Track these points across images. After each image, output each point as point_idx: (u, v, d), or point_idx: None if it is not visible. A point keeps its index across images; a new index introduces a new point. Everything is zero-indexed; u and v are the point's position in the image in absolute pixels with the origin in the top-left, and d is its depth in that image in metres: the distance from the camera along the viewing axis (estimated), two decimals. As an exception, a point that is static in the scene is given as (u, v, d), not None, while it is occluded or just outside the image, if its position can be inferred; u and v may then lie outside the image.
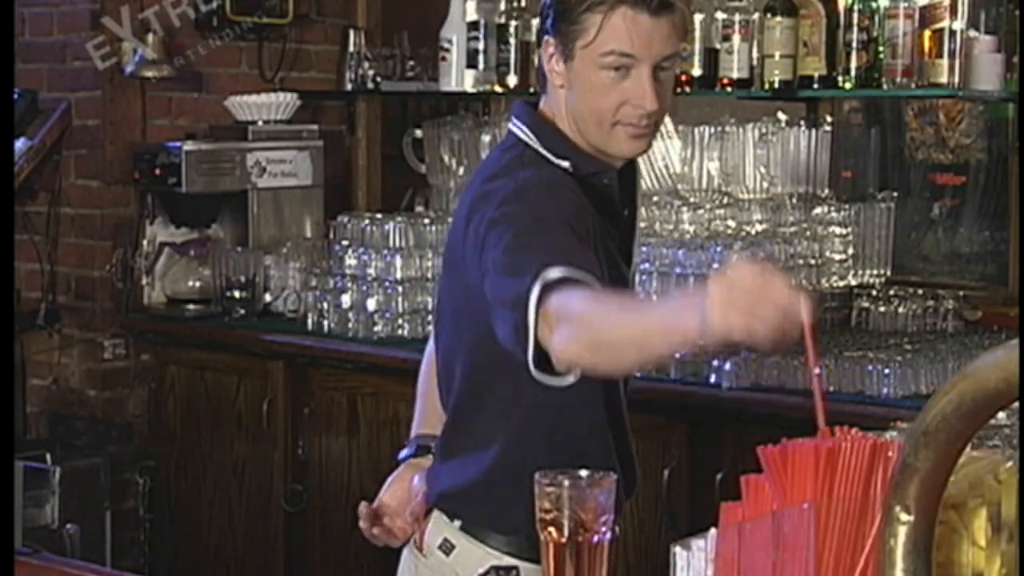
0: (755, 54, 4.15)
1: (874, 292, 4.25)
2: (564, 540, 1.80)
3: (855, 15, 3.95)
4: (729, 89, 4.20)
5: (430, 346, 2.62)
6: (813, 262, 4.17)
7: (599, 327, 2.05)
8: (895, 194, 4.48)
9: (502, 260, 2.20)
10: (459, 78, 4.76)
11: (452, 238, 2.44)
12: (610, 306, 2.08)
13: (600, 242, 2.33)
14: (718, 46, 4.19)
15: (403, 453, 2.57)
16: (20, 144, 4.80)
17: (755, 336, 1.96)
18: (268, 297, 4.86)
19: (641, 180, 2.59)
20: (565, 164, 2.37)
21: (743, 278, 1.90)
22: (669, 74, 2.35)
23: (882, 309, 4.16)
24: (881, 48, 3.94)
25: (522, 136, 2.41)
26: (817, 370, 1.80)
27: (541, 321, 2.09)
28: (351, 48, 5.20)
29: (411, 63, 5.15)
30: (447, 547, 2.42)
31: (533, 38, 4.09)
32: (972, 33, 3.89)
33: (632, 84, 2.30)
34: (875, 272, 4.36)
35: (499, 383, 2.38)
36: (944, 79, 3.85)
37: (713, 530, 1.65)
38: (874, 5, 3.94)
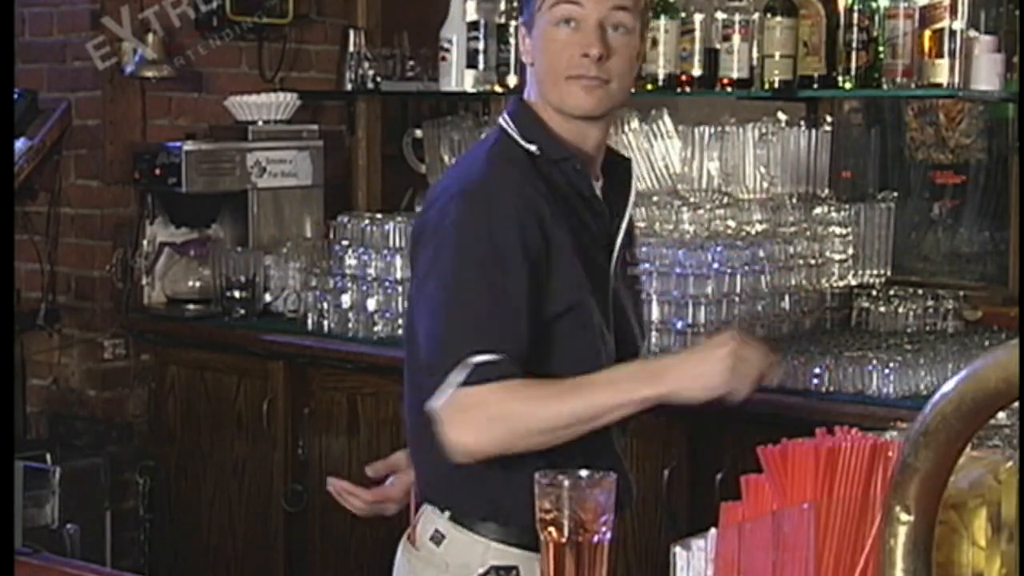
0: (755, 54, 4.15)
1: (874, 292, 4.25)
2: (564, 540, 1.80)
3: (855, 15, 3.95)
4: (729, 89, 4.20)
5: None
6: (813, 262, 4.17)
7: (527, 415, 2.30)
8: (895, 194, 4.48)
9: (428, 324, 2.37)
10: (459, 78, 4.76)
11: (419, 219, 2.55)
12: (534, 394, 2.31)
13: (563, 231, 2.41)
14: (718, 46, 4.19)
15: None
16: (20, 144, 4.80)
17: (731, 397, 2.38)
18: (268, 297, 4.85)
19: (635, 182, 2.65)
20: (532, 147, 2.47)
21: (696, 353, 2.37)
22: (624, 37, 2.45)
23: (882, 309, 4.16)
24: (881, 48, 3.94)
25: (502, 122, 2.52)
26: None
27: (447, 404, 2.28)
28: (351, 48, 5.20)
29: (411, 63, 5.15)
30: (438, 537, 2.45)
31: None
32: (972, 33, 3.89)
33: (581, 35, 2.42)
34: (875, 272, 4.36)
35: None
36: (944, 79, 3.85)
37: (713, 530, 1.65)
38: (874, 5, 3.94)
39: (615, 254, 2.52)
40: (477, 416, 2.28)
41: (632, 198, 2.58)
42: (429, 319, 2.37)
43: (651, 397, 2.33)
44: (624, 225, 2.55)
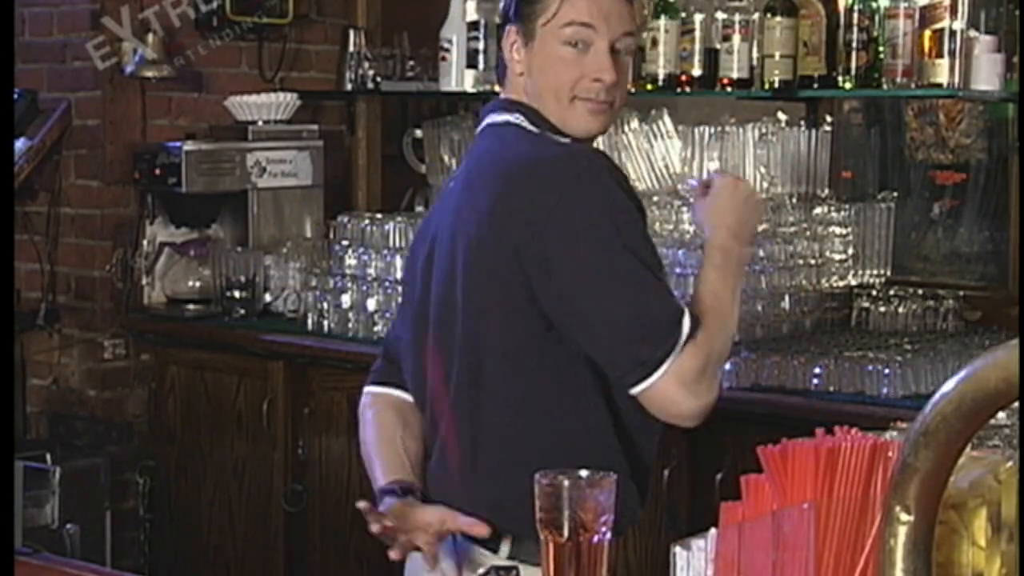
0: (755, 54, 4.15)
1: (874, 292, 4.25)
2: (564, 540, 1.80)
3: (855, 15, 3.95)
4: (729, 89, 4.20)
5: (371, 392, 2.63)
6: (813, 262, 4.17)
7: (725, 353, 2.41)
8: (895, 194, 4.48)
9: (619, 300, 2.31)
10: (459, 78, 4.76)
11: (456, 238, 2.42)
12: (716, 331, 2.37)
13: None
14: (718, 46, 4.19)
15: (387, 500, 2.43)
16: (20, 144, 4.80)
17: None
18: (268, 297, 4.86)
19: None
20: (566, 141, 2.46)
21: (730, 207, 2.49)
22: (626, 60, 2.44)
23: (882, 309, 4.16)
24: (881, 48, 3.94)
25: (530, 127, 2.44)
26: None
27: (670, 376, 2.30)
28: (351, 48, 5.20)
29: (411, 63, 5.15)
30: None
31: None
32: (972, 33, 3.89)
33: (591, 58, 2.40)
34: (875, 272, 4.36)
35: (556, 382, 2.40)
36: (944, 79, 3.85)
37: (713, 530, 1.65)
38: (874, 5, 3.94)
39: None
40: (705, 373, 2.32)
41: None
42: (614, 296, 2.31)
43: (747, 255, 2.54)
44: None
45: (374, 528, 2.35)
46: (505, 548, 2.38)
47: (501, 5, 2.55)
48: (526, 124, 2.44)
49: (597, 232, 2.31)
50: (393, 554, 2.38)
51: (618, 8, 2.41)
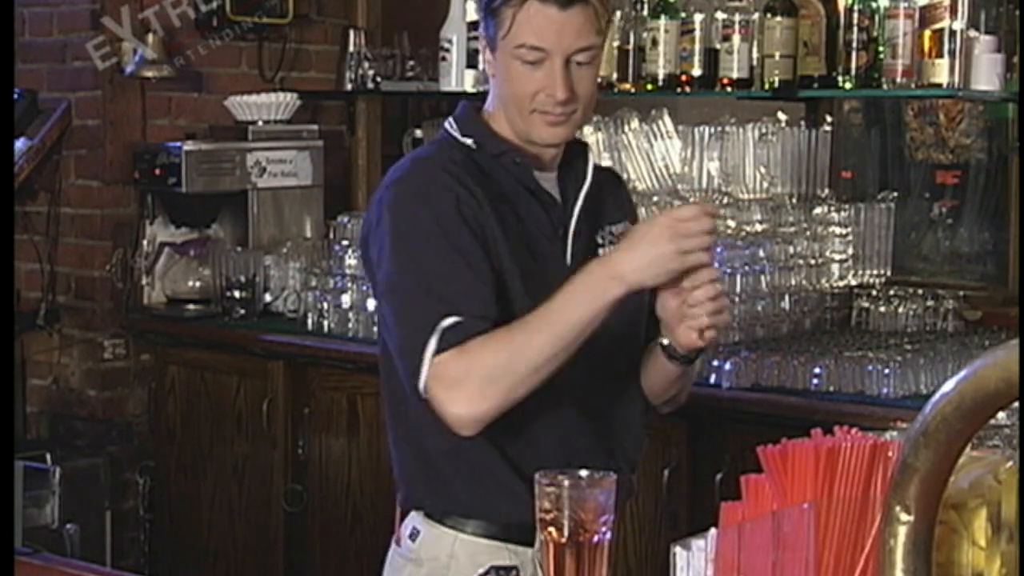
0: (755, 54, 4.15)
1: (874, 292, 4.25)
2: (564, 540, 1.80)
3: (855, 15, 3.95)
4: (729, 89, 4.20)
5: None
6: (813, 262, 4.17)
7: (503, 362, 2.26)
8: (895, 194, 4.48)
9: (395, 294, 2.37)
10: (459, 78, 4.75)
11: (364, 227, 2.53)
12: (518, 341, 2.27)
13: (503, 225, 2.40)
14: (718, 46, 4.19)
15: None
16: (20, 144, 4.80)
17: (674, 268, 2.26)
18: (268, 297, 4.86)
19: (591, 165, 2.57)
20: (467, 141, 2.47)
21: (639, 238, 2.26)
22: (588, 66, 2.42)
23: (882, 309, 4.16)
24: (881, 48, 3.94)
25: (446, 124, 2.53)
26: None
27: (432, 380, 2.28)
28: (351, 48, 5.20)
29: (411, 63, 5.15)
30: (414, 534, 2.48)
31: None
32: (972, 33, 3.89)
33: (544, 75, 2.38)
34: (875, 272, 4.37)
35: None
36: (944, 79, 3.85)
37: (713, 530, 1.65)
38: (874, 5, 3.94)
39: (569, 242, 2.49)
40: (465, 383, 2.26)
41: (587, 182, 2.53)
42: (390, 302, 2.38)
43: (619, 295, 2.25)
44: (577, 211, 2.50)
45: None
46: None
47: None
48: (453, 129, 2.50)
49: (385, 235, 2.38)
50: None
51: (572, 22, 2.38)
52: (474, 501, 2.42)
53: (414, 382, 2.31)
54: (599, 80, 4.05)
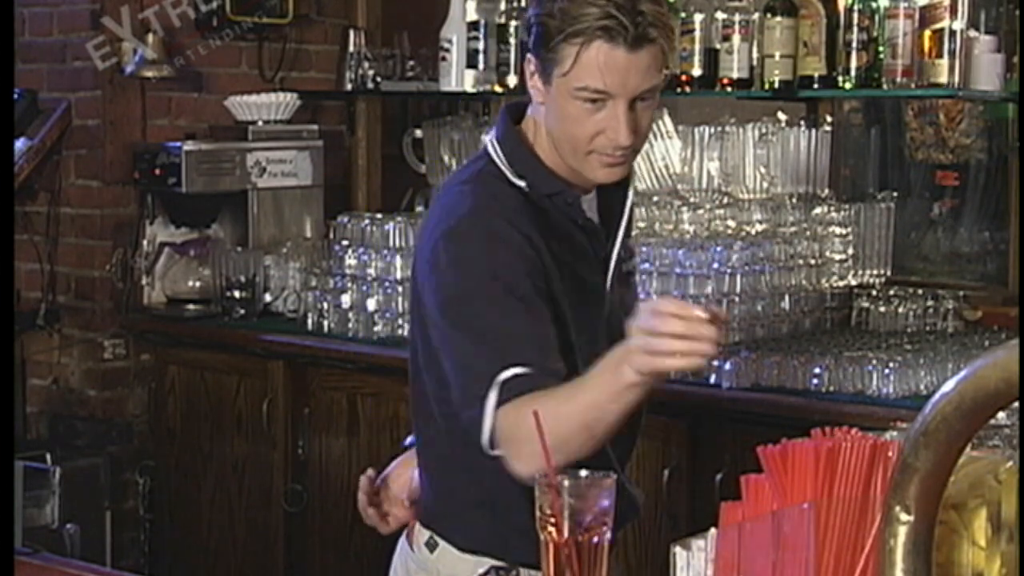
0: (755, 54, 4.15)
1: (874, 292, 4.25)
2: (564, 540, 1.80)
3: (855, 15, 3.95)
4: (729, 89, 4.20)
5: None
6: (813, 262, 4.17)
7: (550, 434, 2.02)
8: (895, 194, 4.48)
9: (453, 347, 2.27)
10: (459, 78, 4.75)
11: (414, 267, 2.44)
12: (551, 406, 2.09)
13: (559, 263, 2.32)
14: (718, 46, 4.19)
15: (407, 440, 2.59)
16: (20, 144, 4.80)
17: (682, 366, 2.08)
18: (268, 297, 4.85)
19: (632, 188, 2.51)
20: (521, 184, 2.35)
21: (654, 327, 2.03)
22: (648, 103, 2.30)
23: (882, 309, 4.16)
24: (881, 48, 3.94)
25: (490, 149, 2.39)
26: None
27: (496, 433, 2.17)
28: (351, 48, 5.20)
29: (411, 63, 5.15)
30: (432, 544, 2.45)
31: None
32: (972, 33, 3.89)
33: (607, 116, 2.26)
34: (875, 272, 4.37)
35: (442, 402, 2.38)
36: (944, 79, 3.85)
37: (713, 530, 1.65)
38: (874, 5, 3.94)
39: (611, 268, 2.45)
40: (520, 439, 2.12)
41: (628, 206, 2.48)
42: (452, 357, 2.27)
43: (633, 382, 2.08)
44: (620, 238, 2.46)
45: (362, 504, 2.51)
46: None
47: (522, 24, 2.45)
48: (499, 158, 2.37)
49: (443, 298, 2.28)
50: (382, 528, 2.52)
51: (640, 63, 2.24)
52: (493, 540, 2.36)
53: (477, 434, 2.20)
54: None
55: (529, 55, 2.33)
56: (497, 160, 2.37)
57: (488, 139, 2.43)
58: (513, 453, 2.15)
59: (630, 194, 2.50)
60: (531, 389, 2.15)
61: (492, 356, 2.19)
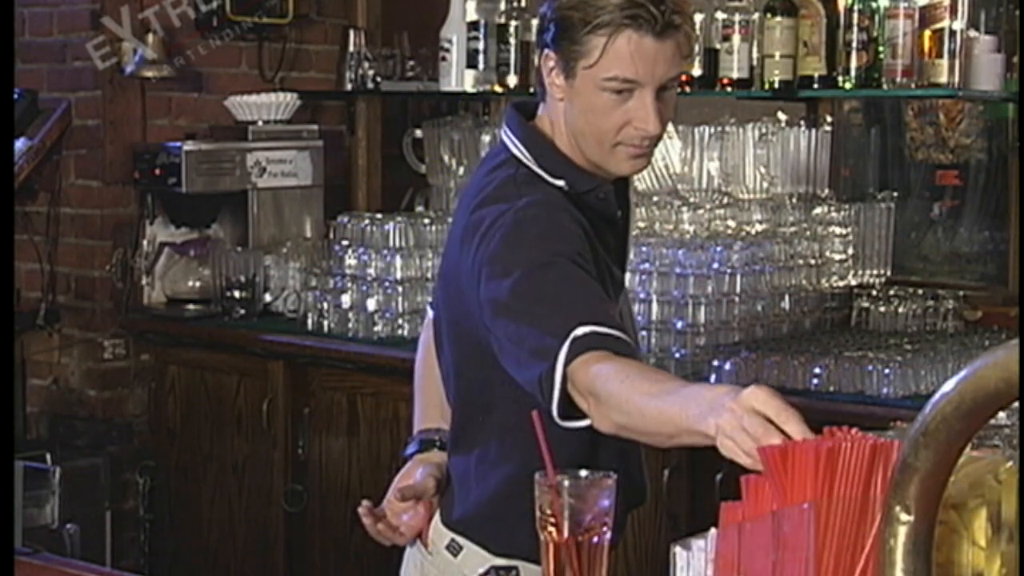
0: (755, 54, 4.15)
1: (874, 292, 4.25)
2: (564, 540, 1.80)
3: (855, 15, 3.95)
4: (729, 89, 4.20)
5: (424, 336, 2.61)
6: (813, 262, 4.17)
7: (625, 410, 2.01)
8: (895, 194, 4.48)
9: (515, 306, 2.16)
10: (459, 78, 4.76)
11: (447, 260, 2.41)
12: (635, 387, 2.01)
13: (596, 258, 2.30)
14: (718, 46, 4.19)
15: (408, 450, 2.55)
16: (20, 144, 4.80)
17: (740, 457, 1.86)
18: (268, 297, 4.86)
19: (633, 179, 2.55)
20: (560, 183, 2.34)
21: (759, 410, 1.89)
22: (672, 92, 2.31)
23: (882, 309, 4.16)
24: (881, 48, 3.94)
25: (516, 152, 2.36)
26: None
27: (570, 385, 2.07)
28: (351, 48, 5.20)
29: (411, 63, 5.15)
30: (455, 548, 2.41)
31: (533, 38, 4.09)
32: (972, 33, 3.89)
33: (635, 106, 2.26)
34: (875, 272, 4.37)
35: (500, 405, 2.34)
36: (944, 79, 3.85)
37: (713, 530, 1.65)
38: (874, 5, 3.95)
39: (628, 259, 2.49)
40: (590, 394, 2.05)
41: (631, 200, 2.51)
42: (519, 316, 2.16)
43: (707, 436, 2.00)
44: (629, 232, 2.49)
45: (371, 528, 2.44)
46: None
47: (537, 21, 2.36)
48: (525, 157, 2.34)
49: (506, 252, 2.21)
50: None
51: (666, 51, 2.24)
52: (533, 545, 2.15)
53: (546, 393, 2.11)
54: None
55: (548, 51, 2.31)
56: (527, 162, 2.35)
57: (507, 141, 2.39)
58: (584, 397, 2.06)
59: (631, 183, 2.51)
60: (603, 347, 2.06)
61: (563, 309, 2.11)
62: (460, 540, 2.40)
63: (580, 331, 2.07)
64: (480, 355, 2.30)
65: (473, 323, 2.28)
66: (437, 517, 2.46)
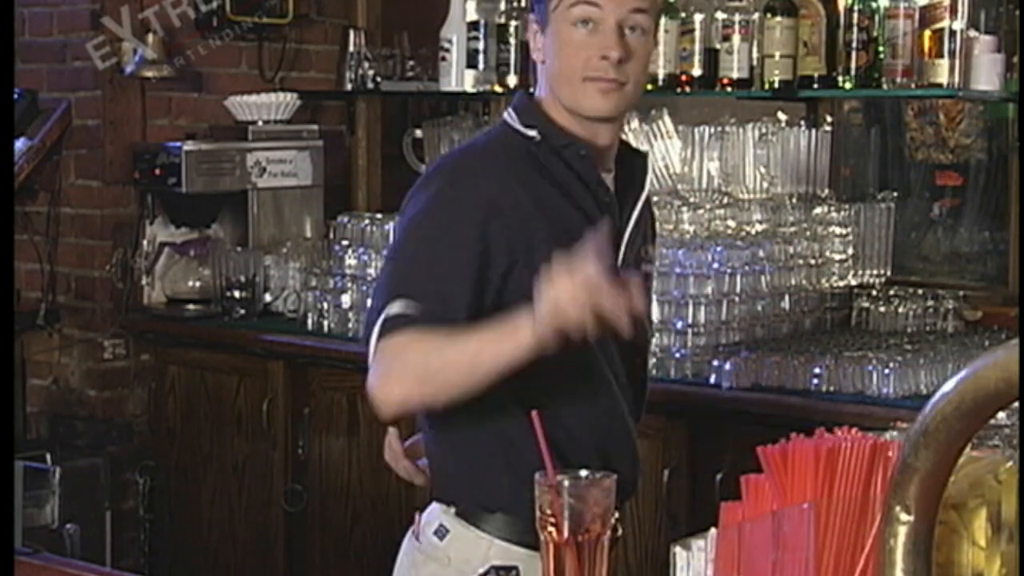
0: (755, 54, 4.15)
1: (874, 292, 4.25)
2: (564, 540, 1.80)
3: (855, 15, 3.95)
4: (729, 89, 4.20)
5: None
6: (813, 262, 4.17)
7: (423, 362, 2.31)
8: (895, 194, 4.48)
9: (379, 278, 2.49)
10: (459, 78, 4.76)
11: None
12: (434, 341, 2.29)
13: (547, 213, 2.40)
14: (718, 46, 4.19)
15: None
16: (20, 144, 4.80)
17: (585, 328, 2.14)
18: (268, 297, 4.86)
19: (651, 176, 2.62)
20: (531, 133, 2.46)
21: (562, 291, 2.12)
22: (641, 39, 2.44)
23: (882, 309, 4.16)
24: (881, 48, 3.94)
25: (505, 115, 2.52)
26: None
27: (373, 359, 2.40)
28: (351, 48, 5.20)
29: (411, 63, 5.15)
30: (441, 532, 2.46)
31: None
32: (972, 33, 3.89)
33: (599, 37, 2.40)
34: (875, 272, 4.37)
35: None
36: (944, 79, 3.85)
37: (713, 530, 1.65)
38: (874, 5, 3.95)
39: (623, 247, 2.50)
40: (387, 367, 2.36)
41: (645, 192, 2.57)
42: (381, 272, 2.51)
43: (524, 346, 2.18)
44: (635, 218, 2.53)
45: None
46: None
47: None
48: (511, 117, 2.49)
49: (405, 222, 2.44)
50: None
51: None
52: (514, 494, 2.34)
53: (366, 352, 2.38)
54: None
55: (530, 17, 2.51)
56: (510, 120, 2.50)
57: (505, 112, 2.55)
58: (376, 374, 2.39)
59: (648, 180, 2.59)
60: (406, 327, 2.35)
61: (393, 285, 2.40)
62: (447, 524, 2.45)
63: (393, 310, 2.39)
64: None
65: None
66: (430, 506, 2.51)
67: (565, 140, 2.45)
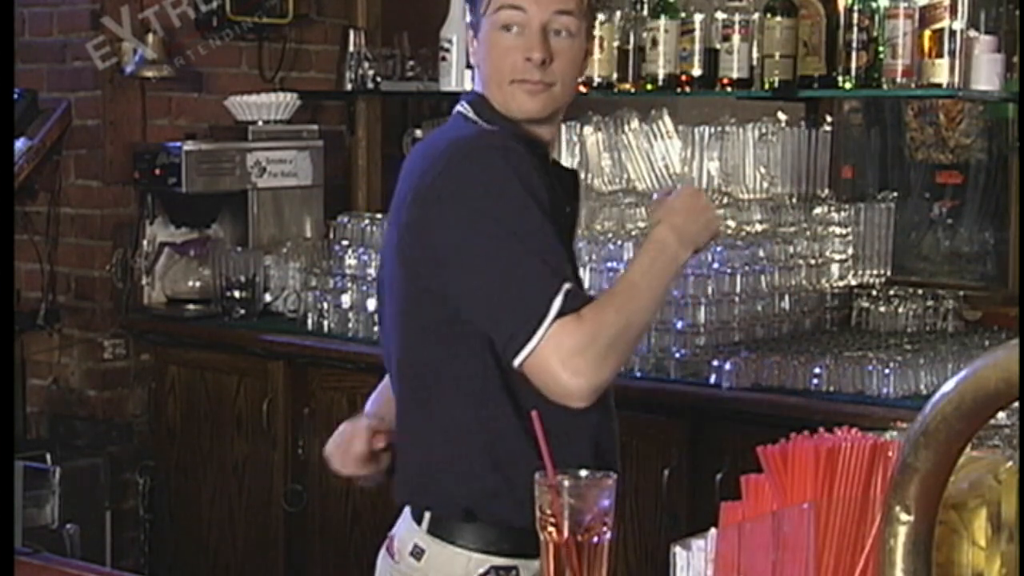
0: (755, 54, 4.15)
1: (874, 292, 4.25)
2: (564, 540, 1.80)
3: (855, 15, 3.95)
4: (729, 89, 4.20)
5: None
6: (813, 262, 4.17)
7: (623, 322, 2.32)
8: (895, 194, 4.48)
9: (491, 279, 2.34)
10: (459, 78, 4.76)
11: (391, 227, 2.51)
12: (610, 302, 2.35)
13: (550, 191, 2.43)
14: (718, 46, 4.19)
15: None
16: (20, 144, 4.80)
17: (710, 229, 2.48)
18: (268, 297, 4.86)
19: (583, 194, 2.72)
20: (495, 129, 2.47)
21: (682, 208, 2.45)
22: (567, 41, 2.45)
23: (882, 309, 4.16)
24: (881, 48, 3.94)
25: (462, 110, 2.51)
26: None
27: (547, 349, 2.28)
28: (351, 48, 5.20)
29: (411, 63, 5.15)
30: (417, 552, 2.43)
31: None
32: (972, 33, 3.89)
33: (524, 40, 2.43)
34: (875, 272, 4.37)
35: (460, 358, 2.40)
36: (944, 79, 3.85)
37: (713, 530, 1.65)
38: (874, 5, 3.95)
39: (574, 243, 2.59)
40: (587, 350, 2.27)
41: (583, 211, 2.64)
42: (490, 275, 2.33)
43: (681, 259, 2.43)
44: (580, 217, 2.63)
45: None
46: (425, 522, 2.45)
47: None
48: (468, 112, 2.50)
49: (473, 213, 2.35)
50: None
51: None
52: (497, 496, 2.36)
53: (513, 351, 2.28)
54: (598, 80, 4.07)
55: (467, 24, 2.57)
56: (473, 118, 2.49)
57: (457, 109, 2.53)
58: (574, 365, 2.27)
59: (582, 194, 2.66)
60: (584, 303, 2.31)
61: (544, 271, 2.31)
62: (421, 544, 2.42)
63: (566, 288, 2.32)
64: (432, 308, 2.41)
65: (428, 275, 2.42)
66: (401, 524, 2.48)
67: (521, 133, 2.47)
